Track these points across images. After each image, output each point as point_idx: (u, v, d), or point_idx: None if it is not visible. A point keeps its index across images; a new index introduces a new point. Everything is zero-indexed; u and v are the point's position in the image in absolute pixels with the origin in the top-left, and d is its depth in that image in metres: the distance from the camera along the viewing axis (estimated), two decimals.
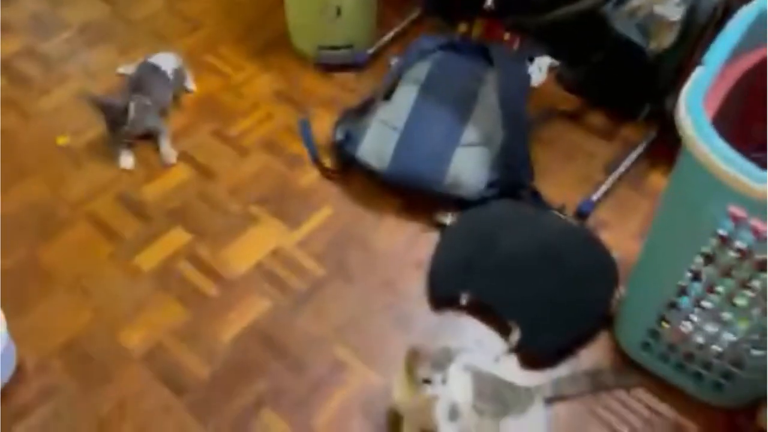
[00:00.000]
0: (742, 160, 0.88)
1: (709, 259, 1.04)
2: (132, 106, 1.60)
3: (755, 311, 1.06)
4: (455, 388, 1.11)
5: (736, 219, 0.94)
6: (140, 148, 1.70)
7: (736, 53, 1.12)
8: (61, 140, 1.72)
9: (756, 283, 1.02)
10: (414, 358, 1.08)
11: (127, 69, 1.85)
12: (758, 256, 0.97)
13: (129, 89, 1.71)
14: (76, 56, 1.94)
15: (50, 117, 1.78)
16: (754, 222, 0.92)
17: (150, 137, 1.71)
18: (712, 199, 0.94)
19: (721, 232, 0.97)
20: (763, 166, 0.88)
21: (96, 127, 1.73)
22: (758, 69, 1.17)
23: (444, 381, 1.07)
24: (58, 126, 1.75)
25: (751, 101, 1.24)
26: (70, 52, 1.95)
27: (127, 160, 1.67)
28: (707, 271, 1.06)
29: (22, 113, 1.79)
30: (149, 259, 1.48)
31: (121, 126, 1.61)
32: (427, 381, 1.06)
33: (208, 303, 1.42)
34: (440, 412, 1.09)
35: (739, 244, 0.98)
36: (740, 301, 1.06)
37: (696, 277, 1.09)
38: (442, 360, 1.08)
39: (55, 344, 1.34)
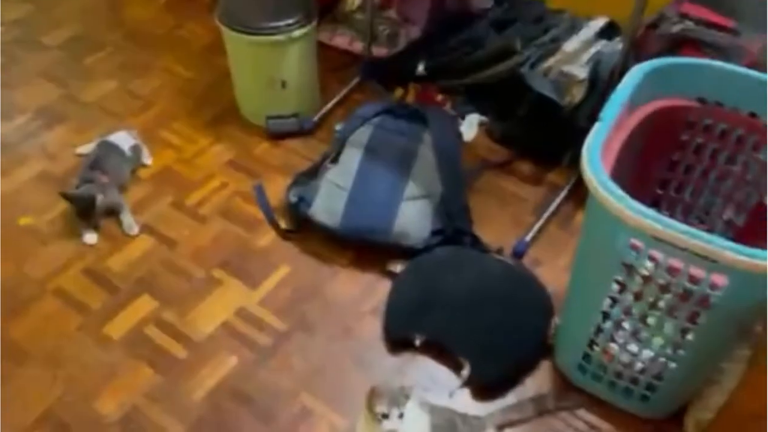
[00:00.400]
0: (632, 201, 1.06)
1: (622, 285, 1.21)
2: (99, 198, 1.70)
3: (666, 328, 1.23)
4: (412, 423, 1.23)
5: (636, 249, 1.11)
6: (103, 223, 1.79)
7: (631, 107, 1.32)
8: (24, 221, 1.79)
9: (662, 304, 1.18)
10: (373, 395, 1.19)
11: (86, 149, 1.94)
12: (659, 280, 1.13)
13: (88, 168, 1.80)
14: (33, 139, 2.03)
15: (11, 199, 1.85)
16: (651, 251, 1.09)
17: (112, 213, 1.80)
18: (616, 234, 1.11)
19: (627, 261, 1.14)
20: (667, 201, 1.06)
21: (58, 206, 1.81)
22: (651, 117, 1.36)
23: (401, 416, 1.19)
24: (20, 207, 1.83)
25: (648, 145, 1.44)
26: (27, 134, 2.04)
27: (91, 237, 1.75)
28: (622, 297, 1.22)
29: None
30: (118, 327, 1.56)
31: (90, 214, 1.71)
32: (384, 416, 1.17)
33: (179, 364, 1.50)
34: None
35: (642, 271, 1.14)
36: (651, 321, 1.23)
37: (614, 302, 1.25)
38: (399, 397, 1.20)
39: (31, 418, 1.39)
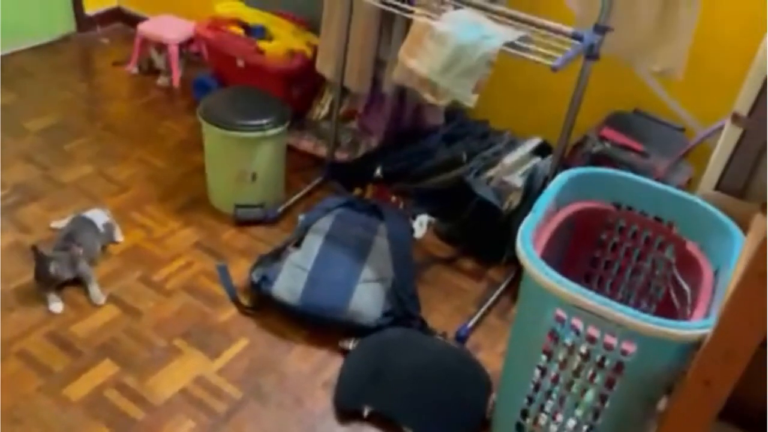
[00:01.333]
0: (557, 275, 1.26)
1: (549, 355, 1.38)
2: (52, 265, 1.80)
3: (587, 396, 1.39)
4: None
5: (560, 320, 1.29)
6: (70, 292, 1.87)
7: (558, 205, 1.56)
8: None
9: (582, 373, 1.35)
10: None
11: (60, 224, 2.06)
12: (580, 349, 1.31)
13: (62, 239, 1.91)
14: (9, 212, 2.13)
15: None
16: (574, 321, 1.28)
17: (79, 282, 1.89)
18: (544, 304, 1.30)
19: (553, 329, 1.32)
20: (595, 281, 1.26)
21: (26, 275, 1.89)
22: (575, 216, 1.60)
23: None
24: None
25: (574, 242, 1.67)
26: (2, 209, 2.14)
27: (56, 305, 1.83)
28: (549, 366, 1.39)
29: None
30: (78, 389, 1.62)
31: (43, 277, 1.81)
32: None
33: (136, 426, 1.56)
34: None
35: (566, 341, 1.32)
36: (575, 389, 1.39)
37: (543, 372, 1.42)
38: None
39: None
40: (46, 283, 1.84)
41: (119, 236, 2.09)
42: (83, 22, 3.23)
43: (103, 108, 2.78)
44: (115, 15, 3.35)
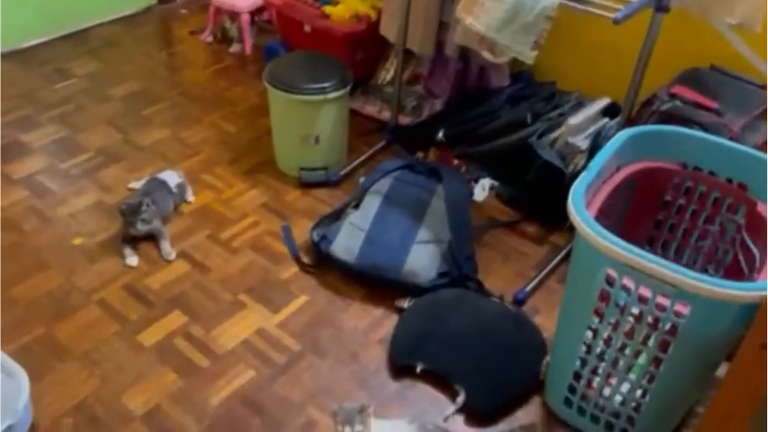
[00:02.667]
0: (608, 233, 1.23)
1: (600, 316, 1.35)
2: (145, 201, 1.93)
3: (640, 358, 1.36)
4: None
5: (611, 280, 1.26)
6: (144, 248, 1.99)
7: (619, 164, 1.51)
8: (77, 241, 2.01)
9: (636, 335, 1.32)
10: (335, 414, 1.39)
11: (137, 184, 2.19)
12: (632, 310, 1.28)
13: (139, 196, 2.02)
14: (91, 174, 2.28)
15: (68, 222, 2.08)
16: (625, 280, 1.25)
17: (152, 239, 2.01)
18: (595, 264, 1.27)
19: (604, 289, 1.29)
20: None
21: (107, 231, 2.03)
22: (637, 176, 1.54)
23: None
24: (73, 229, 2.05)
25: (635, 204, 1.61)
26: (87, 170, 2.29)
27: (132, 259, 1.95)
28: (601, 327, 1.36)
29: (42, 218, 2.09)
30: (150, 336, 1.73)
31: (135, 219, 1.92)
32: None
33: (201, 373, 1.65)
34: None
35: (619, 302, 1.29)
36: (628, 351, 1.36)
37: (595, 334, 1.39)
38: (354, 415, 1.38)
39: (67, 406, 1.55)
40: (126, 237, 1.96)
41: (191, 196, 2.19)
42: None
43: (180, 75, 2.90)
44: None
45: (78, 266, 1.92)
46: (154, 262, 1.96)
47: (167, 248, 1.98)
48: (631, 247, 1.20)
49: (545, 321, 1.81)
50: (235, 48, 3.03)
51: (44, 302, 1.81)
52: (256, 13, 3.01)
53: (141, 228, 1.95)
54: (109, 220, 2.07)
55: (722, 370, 1.33)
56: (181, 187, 2.16)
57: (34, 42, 2.96)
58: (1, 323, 1.73)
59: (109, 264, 1.94)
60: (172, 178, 2.15)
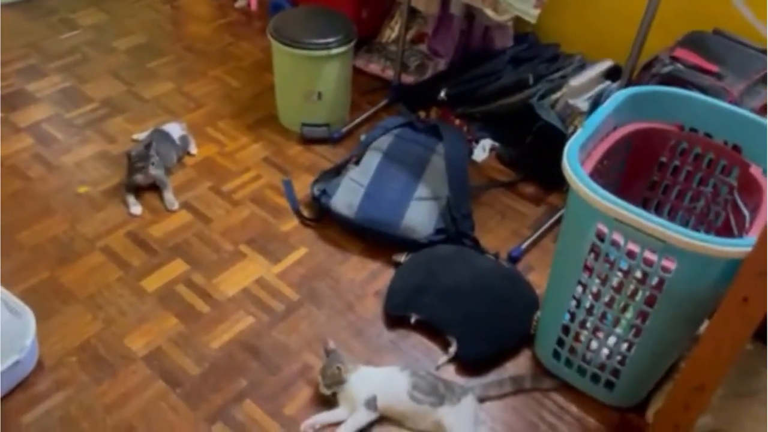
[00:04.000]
0: (600, 189, 1.25)
1: (590, 271, 1.39)
2: (153, 147, 1.97)
3: (628, 312, 1.40)
4: (391, 382, 1.49)
5: (601, 235, 1.29)
6: (147, 198, 2.03)
7: (615, 124, 1.53)
8: (82, 189, 2.04)
9: (624, 289, 1.35)
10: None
11: (141, 135, 2.21)
12: (620, 265, 1.31)
13: (143, 147, 2.05)
14: (96, 124, 2.30)
15: (73, 170, 2.11)
16: (614, 235, 1.28)
17: (156, 189, 2.04)
18: (587, 217, 1.30)
19: (595, 244, 1.32)
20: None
21: (111, 180, 2.07)
22: (633, 136, 1.56)
23: (329, 385, 1.50)
24: (78, 178, 2.08)
25: (631, 164, 1.64)
26: (92, 120, 2.32)
27: (136, 208, 1.99)
28: (590, 281, 1.40)
29: (48, 166, 2.12)
30: (153, 282, 1.78)
31: (146, 164, 1.96)
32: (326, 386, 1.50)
33: (201, 318, 1.70)
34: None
35: (609, 256, 1.32)
36: (615, 306, 1.40)
37: (585, 288, 1.43)
38: (331, 367, 1.49)
39: (71, 346, 1.60)
40: (130, 186, 2.00)
41: (194, 149, 2.22)
42: None
43: (185, 29, 2.90)
44: None
45: (82, 214, 1.96)
46: (158, 211, 2.00)
47: (170, 198, 2.01)
48: (621, 201, 1.23)
49: (538, 279, 1.84)
50: (240, 3, 3.02)
51: (49, 247, 1.85)
52: None
53: (152, 172, 1.97)
54: (113, 170, 2.10)
55: (704, 327, 1.37)
56: (184, 140, 2.18)
57: None
58: (8, 266, 1.78)
59: (113, 212, 1.98)
60: (175, 130, 2.17)
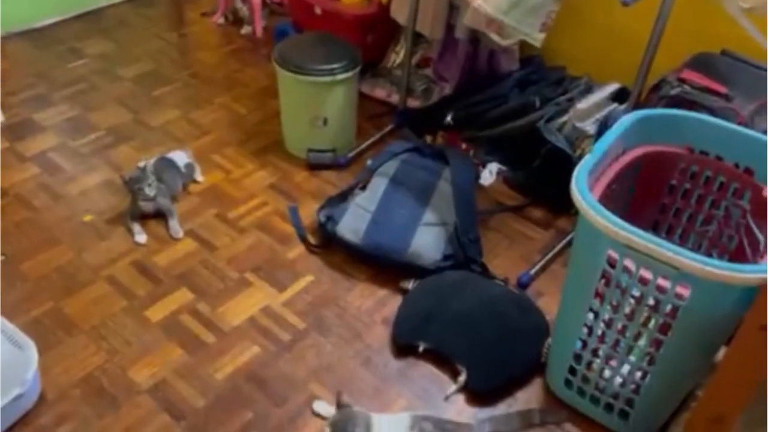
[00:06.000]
0: (610, 214, 1.23)
1: (602, 297, 1.35)
2: (150, 164, 1.97)
3: (641, 340, 1.36)
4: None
5: (613, 261, 1.26)
6: (152, 226, 2.02)
7: (625, 148, 1.50)
8: (87, 218, 2.04)
9: (637, 316, 1.32)
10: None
11: (146, 163, 2.20)
12: (633, 291, 1.28)
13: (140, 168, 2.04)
14: (101, 152, 2.30)
15: (78, 199, 2.10)
16: (626, 262, 1.25)
17: (161, 217, 2.03)
18: (597, 244, 1.27)
19: (606, 270, 1.29)
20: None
21: (116, 209, 2.06)
22: (642, 160, 1.54)
23: None
24: (83, 207, 2.08)
25: (640, 188, 1.61)
26: (97, 148, 2.32)
27: (141, 236, 1.97)
28: (602, 308, 1.37)
29: (53, 195, 2.12)
30: (157, 312, 1.76)
31: (142, 186, 1.94)
32: None
33: (206, 348, 1.68)
34: None
35: (620, 283, 1.29)
36: (628, 333, 1.36)
37: (596, 315, 1.40)
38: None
39: (74, 378, 1.58)
40: (135, 214, 1.99)
41: (200, 176, 2.21)
42: None
43: (191, 56, 2.92)
44: None
45: (87, 243, 1.95)
46: (163, 240, 1.98)
47: (176, 226, 2.00)
48: (632, 227, 1.21)
49: (548, 305, 1.81)
50: (246, 30, 3.04)
51: (54, 277, 1.84)
52: None
53: (149, 193, 1.96)
54: (119, 199, 2.09)
55: (721, 355, 1.33)
56: (189, 167, 2.18)
57: (48, 21, 2.99)
58: (12, 297, 1.76)
59: (118, 241, 1.97)
60: (181, 157, 2.17)
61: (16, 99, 2.53)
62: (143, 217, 2.01)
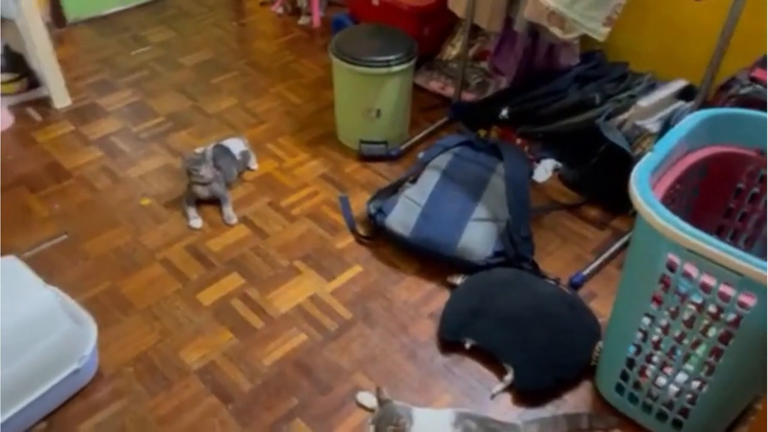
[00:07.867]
0: (672, 216, 1.18)
1: (659, 302, 1.31)
2: (209, 149, 2.00)
3: (699, 349, 1.31)
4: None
5: (672, 266, 1.22)
6: (207, 212, 2.06)
7: (690, 149, 1.45)
8: (145, 201, 2.09)
9: (696, 323, 1.27)
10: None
11: (205, 149, 2.24)
12: (693, 298, 1.23)
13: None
14: (160, 138, 2.36)
15: (137, 183, 2.16)
16: (687, 267, 1.20)
17: (216, 203, 2.07)
18: (656, 247, 1.22)
19: (664, 274, 1.24)
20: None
21: (173, 194, 2.11)
22: (708, 162, 1.48)
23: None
24: (142, 190, 2.13)
25: (705, 191, 1.55)
26: (157, 134, 2.38)
27: (196, 221, 2.02)
28: (659, 313, 1.32)
29: (114, 178, 2.18)
30: (209, 296, 1.79)
31: (199, 167, 1.98)
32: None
33: (255, 333, 1.70)
34: None
35: (679, 288, 1.25)
36: (686, 341, 1.31)
37: (653, 320, 1.35)
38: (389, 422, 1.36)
39: (128, 356, 1.63)
40: (191, 199, 2.03)
41: (254, 164, 2.24)
42: None
43: (249, 45, 2.96)
44: None
45: (145, 225, 2.00)
46: (217, 225, 2.02)
47: (229, 213, 2.04)
48: (695, 231, 1.16)
49: (601, 307, 1.76)
50: (303, 20, 3.06)
51: (112, 257, 1.90)
52: None
53: (204, 174, 1.99)
54: (176, 184, 2.14)
55: None
56: (245, 155, 2.21)
57: (114, 9, 3.08)
58: (73, 275, 1.83)
59: (173, 225, 2.01)
60: (236, 145, 2.20)
61: (83, 84, 2.61)
62: (199, 203, 2.05)
